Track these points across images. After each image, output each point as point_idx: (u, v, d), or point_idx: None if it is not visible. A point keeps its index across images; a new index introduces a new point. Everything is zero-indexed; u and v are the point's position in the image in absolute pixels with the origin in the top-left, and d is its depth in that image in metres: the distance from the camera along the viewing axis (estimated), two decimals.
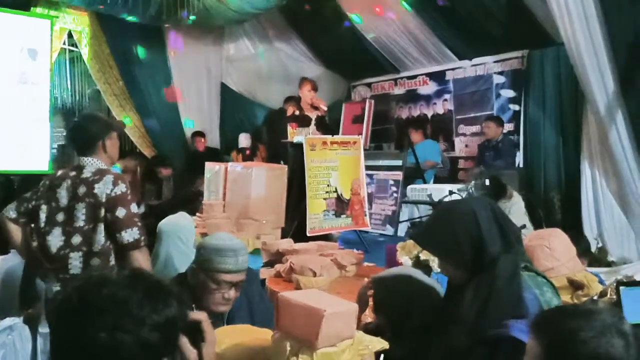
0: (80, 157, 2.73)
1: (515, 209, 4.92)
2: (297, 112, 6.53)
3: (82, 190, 2.62)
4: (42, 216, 2.67)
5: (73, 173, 2.69)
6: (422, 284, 2.03)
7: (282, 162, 6.18)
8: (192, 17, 7.45)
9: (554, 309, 1.48)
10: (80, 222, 2.61)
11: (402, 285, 2.03)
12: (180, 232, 3.38)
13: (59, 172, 2.79)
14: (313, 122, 6.49)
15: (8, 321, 3.28)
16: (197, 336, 1.23)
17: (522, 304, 1.64)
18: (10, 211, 2.74)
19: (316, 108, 6.56)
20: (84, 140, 2.75)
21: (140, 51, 8.18)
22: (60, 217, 2.65)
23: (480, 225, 1.69)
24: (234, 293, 2.23)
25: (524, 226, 4.81)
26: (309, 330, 1.49)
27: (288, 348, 1.53)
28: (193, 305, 2.12)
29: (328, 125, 6.68)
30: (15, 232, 2.75)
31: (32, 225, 2.74)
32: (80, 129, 2.81)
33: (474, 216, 1.70)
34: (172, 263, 3.26)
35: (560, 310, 1.27)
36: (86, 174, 2.66)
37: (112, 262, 2.64)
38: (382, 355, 1.74)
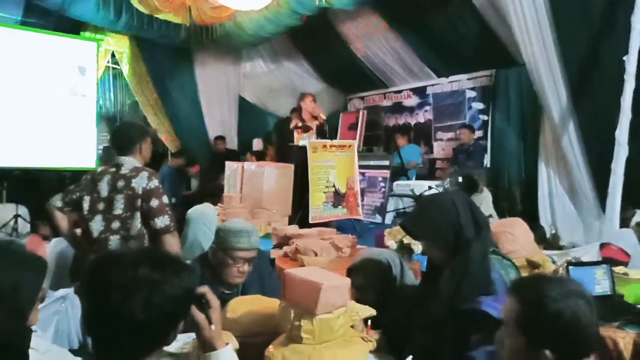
0: (120, 156, 2.72)
1: (485, 201, 4.92)
2: (299, 124, 6.55)
3: (121, 184, 2.62)
4: (85, 205, 2.65)
5: (113, 169, 2.69)
6: (378, 264, 2.09)
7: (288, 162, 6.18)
8: (214, 40, 7.45)
9: (531, 275, 1.48)
10: (119, 211, 2.60)
11: (363, 269, 2.09)
12: (205, 218, 3.40)
13: (100, 169, 2.77)
14: (314, 130, 6.50)
15: (62, 292, 3.31)
16: (203, 305, 1.23)
17: (491, 283, 1.64)
18: (57, 201, 2.71)
19: (316, 117, 6.56)
20: (124, 143, 2.74)
21: (171, 69, 8.16)
22: (101, 206, 2.64)
23: (458, 212, 1.68)
24: (248, 267, 2.23)
25: (490, 216, 4.81)
26: (309, 300, 1.50)
27: (292, 314, 1.53)
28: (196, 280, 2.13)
29: (326, 132, 6.69)
30: (61, 219, 2.71)
31: (77, 213, 2.71)
32: (121, 134, 2.81)
33: (454, 205, 1.70)
34: (199, 244, 3.28)
35: (536, 276, 1.28)
36: (124, 170, 2.66)
37: (147, 244, 2.64)
38: (369, 321, 1.75)
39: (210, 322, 1.22)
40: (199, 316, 1.22)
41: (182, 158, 7.66)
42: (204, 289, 1.25)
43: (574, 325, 1.17)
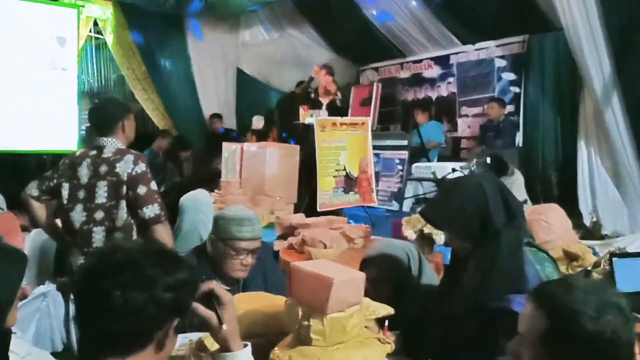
0: (100, 137, 2.71)
1: (516, 185, 4.89)
2: (312, 95, 6.51)
3: (103, 169, 2.62)
4: (65, 194, 2.65)
5: (93, 152, 2.68)
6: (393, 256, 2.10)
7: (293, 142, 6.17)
8: (209, 6, 7.40)
9: (557, 280, 1.46)
10: (102, 199, 2.61)
11: (377, 261, 2.10)
12: (201, 205, 3.41)
13: (79, 152, 2.77)
14: (324, 106, 6.46)
15: (42, 288, 3.33)
16: (212, 302, 1.24)
17: (524, 279, 1.62)
18: (33, 189, 2.69)
19: (329, 93, 6.52)
20: (104, 122, 2.73)
21: (161, 38, 8.14)
22: (81, 194, 2.64)
23: (487, 197, 1.67)
24: (251, 259, 2.24)
25: (525, 201, 4.79)
26: (319, 297, 1.50)
27: (300, 313, 1.53)
28: (204, 277, 2.14)
29: (339, 108, 6.64)
30: (39, 209, 2.71)
31: (56, 202, 2.71)
32: (100, 111, 2.80)
33: (482, 189, 1.69)
34: (198, 233, 3.29)
35: (565, 284, 1.24)
36: (107, 153, 2.65)
37: (135, 236, 2.65)
38: (386, 321, 1.75)
39: (221, 322, 1.23)
40: (208, 315, 1.23)
41: (169, 138, 7.65)
42: (212, 284, 1.26)
43: (614, 346, 1.12)
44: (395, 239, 2.79)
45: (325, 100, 6.54)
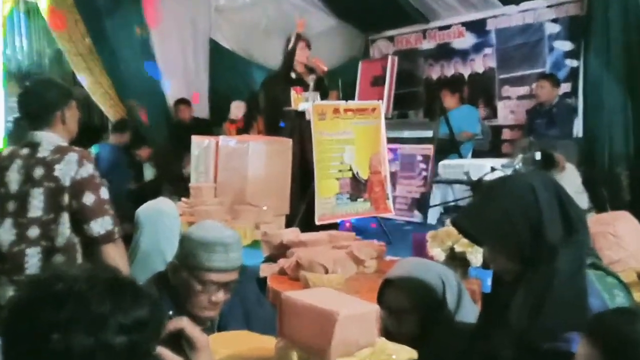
0: (34, 131, 2.71)
1: (566, 184, 4.89)
2: (293, 75, 6.54)
3: (38, 172, 2.62)
4: None
5: (25, 151, 2.68)
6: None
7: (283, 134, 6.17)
8: None
9: (617, 310, 1.45)
10: (38, 212, 2.60)
11: (405, 285, 2.09)
12: (165, 218, 3.41)
13: (6, 151, 2.78)
14: (311, 87, 6.47)
15: None
16: (182, 346, 1.24)
17: (586, 311, 1.61)
18: None
19: (312, 70, 6.55)
20: (38, 111, 2.74)
21: (111, 1, 8.14)
22: (10, 206, 2.64)
23: (539, 204, 1.67)
24: (223, 295, 2.22)
25: (589, 209, 4.79)
26: (319, 337, 1.49)
27: (295, 358, 1.53)
28: (170, 312, 2.13)
29: (327, 88, 6.66)
30: None
31: None
32: (33, 98, 2.81)
33: (532, 192, 1.68)
34: (161, 254, 3.29)
35: (627, 314, 1.23)
36: (43, 152, 2.65)
37: (80, 259, 2.65)
38: None
39: None
40: None
41: (127, 132, 7.67)
42: (183, 323, 1.26)
43: None
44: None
45: (309, 79, 6.55)
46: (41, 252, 2.62)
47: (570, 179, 5.00)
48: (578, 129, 6.95)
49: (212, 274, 2.18)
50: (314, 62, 6.61)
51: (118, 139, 7.59)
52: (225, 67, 9.11)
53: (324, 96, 6.35)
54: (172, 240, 3.18)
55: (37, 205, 2.61)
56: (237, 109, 8.43)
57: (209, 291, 2.19)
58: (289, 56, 6.73)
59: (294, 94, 6.36)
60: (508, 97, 7.97)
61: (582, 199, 4.93)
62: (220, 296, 2.22)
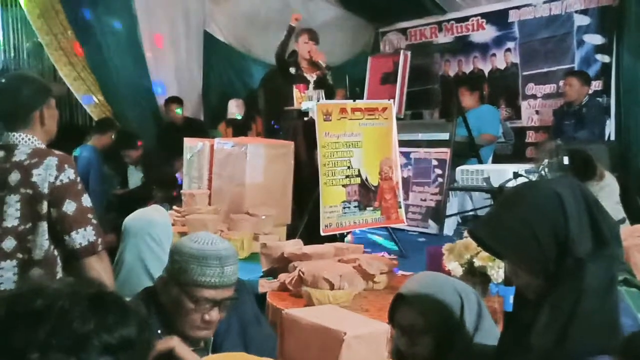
0: (9, 132, 2.71)
1: (606, 195, 4.85)
2: (293, 71, 6.55)
3: (14, 177, 2.61)
4: None
5: (0, 154, 2.69)
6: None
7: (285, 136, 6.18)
8: None
9: None
10: (13, 221, 2.60)
11: (421, 301, 2.07)
12: (153, 229, 3.41)
13: None
14: (311, 85, 6.48)
15: None
16: None
17: (618, 331, 1.61)
18: None
19: (316, 65, 6.55)
20: (14, 111, 2.73)
21: None
22: None
23: (566, 214, 1.66)
24: (217, 314, 2.21)
25: (623, 220, 4.77)
26: (324, 358, 1.50)
27: None
28: (159, 331, 2.12)
29: (331, 87, 6.66)
30: None
31: None
32: (9, 95, 2.80)
33: (559, 201, 1.67)
34: (146, 270, 3.29)
35: None
36: (19, 155, 2.65)
37: (59, 273, 2.65)
38: None
39: None
40: None
41: (111, 133, 7.66)
42: (173, 343, 1.26)
43: None
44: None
45: (311, 77, 6.57)
46: (17, 265, 2.61)
47: (610, 189, 4.97)
48: (610, 130, 6.95)
49: (205, 291, 2.17)
50: (319, 57, 6.61)
51: (98, 140, 7.55)
52: (220, 62, 9.13)
53: (329, 95, 6.35)
54: (161, 255, 3.19)
55: (12, 214, 2.61)
56: (235, 108, 8.44)
57: (202, 309, 2.19)
58: (281, 51, 6.72)
59: (296, 92, 6.37)
60: (533, 96, 7.97)
61: (618, 210, 4.91)
62: (214, 315, 2.21)
